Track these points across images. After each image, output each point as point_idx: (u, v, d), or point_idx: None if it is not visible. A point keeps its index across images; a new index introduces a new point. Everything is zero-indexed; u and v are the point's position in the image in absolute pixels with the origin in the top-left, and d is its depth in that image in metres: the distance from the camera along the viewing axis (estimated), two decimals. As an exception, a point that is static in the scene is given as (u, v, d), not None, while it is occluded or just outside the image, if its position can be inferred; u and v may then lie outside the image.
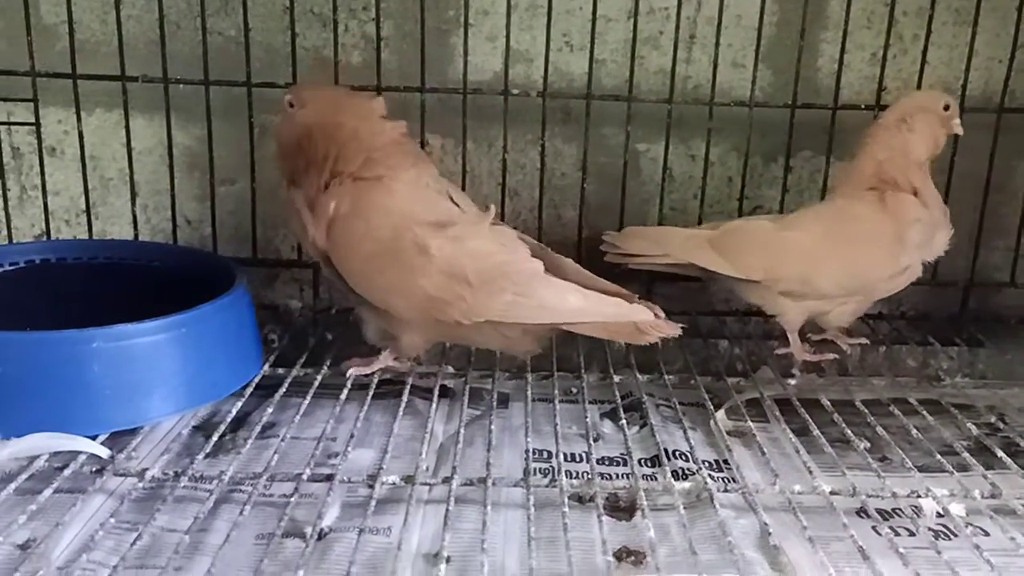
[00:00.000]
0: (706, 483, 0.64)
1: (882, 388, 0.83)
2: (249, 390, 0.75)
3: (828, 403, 0.77)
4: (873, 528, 0.61)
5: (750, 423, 0.75)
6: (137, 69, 0.89)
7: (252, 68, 0.90)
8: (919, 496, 0.63)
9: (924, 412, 0.77)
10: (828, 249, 0.80)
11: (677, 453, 0.72)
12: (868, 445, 0.72)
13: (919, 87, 0.93)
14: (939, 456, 0.69)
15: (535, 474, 0.65)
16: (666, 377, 0.84)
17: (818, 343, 0.89)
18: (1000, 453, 0.70)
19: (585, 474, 0.67)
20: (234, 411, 0.71)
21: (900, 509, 0.63)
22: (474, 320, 0.71)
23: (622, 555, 0.57)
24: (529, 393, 0.77)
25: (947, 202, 0.85)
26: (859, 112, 0.93)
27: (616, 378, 0.83)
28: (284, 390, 0.76)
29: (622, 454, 0.71)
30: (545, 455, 0.71)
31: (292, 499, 0.59)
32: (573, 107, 0.95)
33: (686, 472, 0.68)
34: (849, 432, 0.72)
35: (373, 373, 0.79)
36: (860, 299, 0.82)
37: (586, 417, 0.74)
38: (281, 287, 1.00)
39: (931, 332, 0.94)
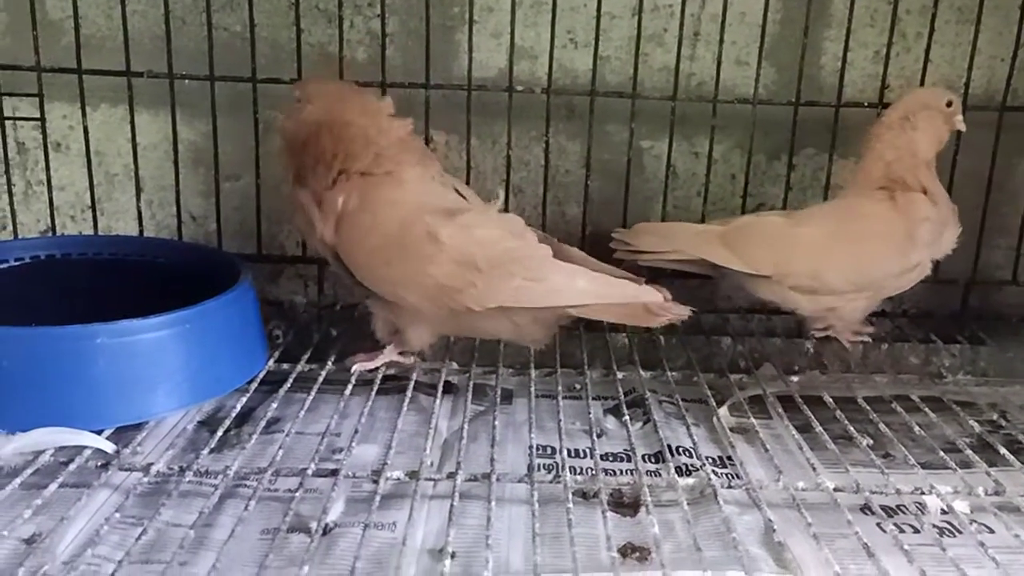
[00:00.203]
0: (710, 479, 0.64)
1: (884, 385, 0.83)
2: (254, 385, 0.75)
3: (831, 400, 0.77)
4: (878, 525, 0.61)
5: (753, 420, 0.75)
6: (142, 64, 0.89)
7: (257, 64, 0.90)
8: (923, 493, 0.63)
9: (926, 409, 0.77)
10: (838, 245, 0.80)
11: (680, 449, 0.72)
12: (871, 442, 0.72)
13: (922, 85, 0.93)
14: (942, 453, 0.69)
15: (539, 470, 0.65)
16: (669, 374, 0.84)
17: (821, 339, 0.89)
18: (1003, 450, 0.70)
19: (589, 470, 0.67)
20: (239, 406, 0.72)
21: (904, 506, 0.64)
22: (485, 306, 0.71)
23: (627, 551, 0.57)
24: (533, 389, 0.77)
25: (950, 200, 0.85)
26: (862, 110, 0.93)
27: (619, 374, 0.83)
28: (289, 385, 0.76)
29: (626, 450, 0.71)
30: (549, 451, 0.71)
31: (297, 494, 0.59)
32: (577, 104, 0.95)
33: (690, 468, 0.68)
34: (852, 429, 0.72)
35: (377, 368, 0.80)
36: (870, 296, 0.82)
37: (589, 413, 0.74)
38: (286, 283, 1.00)
39: (933, 330, 0.95)
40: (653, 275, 0.91)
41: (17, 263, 0.83)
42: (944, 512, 0.62)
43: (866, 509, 0.63)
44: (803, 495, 0.63)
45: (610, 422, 0.78)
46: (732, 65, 0.95)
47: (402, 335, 0.78)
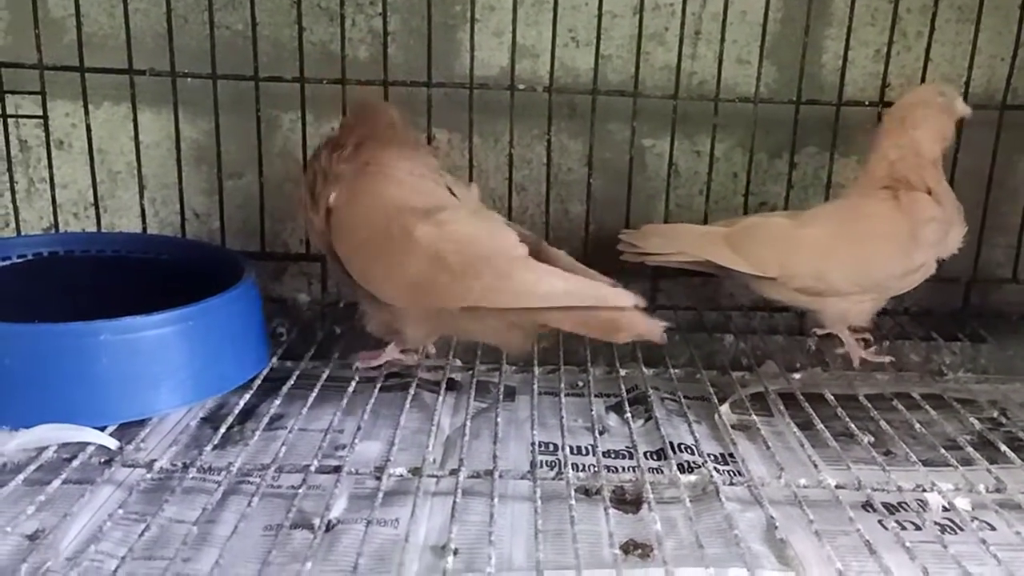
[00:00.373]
0: (712, 476, 0.65)
1: (885, 383, 0.83)
2: (257, 383, 0.75)
3: (832, 397, 0.77)
4: (879, 522, 0.61)
5: (755, 417, 0.75)
6: (145, 63, 0.89)
7: (259, 62, 0.90)
8: (924, 490, 0.64)
9: (927, 407, 0.77)
10: (843, 246, 0.80)
11: (682, 446, 0.72)
12: (872, 439, 0.72)
13: (923, 84, 0.93)
14: (943, 450, 0.69)
15: (541, 467, 0.65)
16: (672, 371, 0.84)
17: (823, 337, 0.89)
18: (1003, 447, 0.70)
19: (591, 467, 0.67)
20: (242, 403, 0.72)
21: (905, 503, 0.64)
22: (456, 306, 0.69)
23: (629, 548, 0.57)
24: (535, 386, 0.77)
25: (951, 199, 0.85)
26: (863, 109, 0.93)
27: (622, 372, 0.83)
28: (292, 383, 0.76)
29: (628, 447, 0.71)
30: (551, 448, 0.71)
31: (300, 491, 0.59)
32: (579, 102, 0.95)
33: (692, 465, 0.69)
34: (853, 426, 0.72)
35: (381, 366, 0.80)
36: (876, 297, 0.83)
37: (592, 410, 0.75)
38: (289, 280, 1.00)
39: (934, 327, 0.95)
40: (658, 271, 0.92)
41: (20, 260, 0.83)
42: (945, 509, 0.62)
43: (867, 506, 0.63)
44: (805, 492, 0.63)
45: (612, 419, 0.78)
46: (733, 64, 0.95)
47: (399, 334, 0.78)
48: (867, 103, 0.93)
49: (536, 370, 0.81)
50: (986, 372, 0.92)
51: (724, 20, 0.91)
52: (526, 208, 0.98)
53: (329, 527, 0.59)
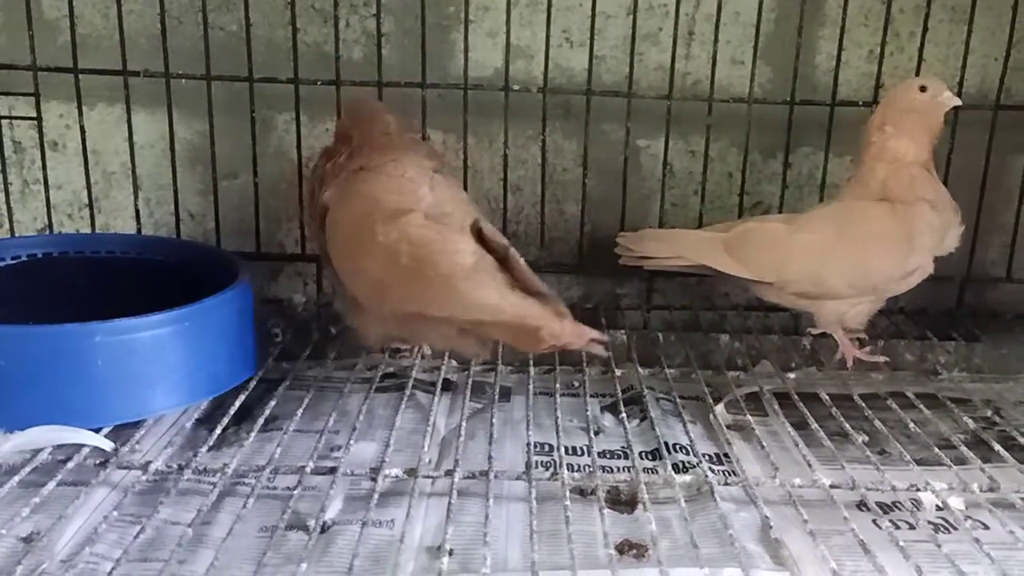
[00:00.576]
0: (707, 476, 0.65)
1: (880, 382, 0.84)
2: (252, 383, 0.75)
3: (826, 397, 0.78)
4: (873, 521, 0.61)
5: (749, 417, 0.76)
6: (138, 63, 0.89)
7: (253, 63, 0.90)
8: (918, 489, 0.64)
9: (921, 406, 0.77)
10: (839, 250, 0.80)
11: (677, 446, 0.72)
12: (866, 439, 0.73)
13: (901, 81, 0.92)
14: (937, 450, 0.70)
15: (537, 467, 0.65)
16: (667, 371, 0.84)
17: (818, 336, 0.89)
18: (997, 447, 0.70)
19: (587, 467, 0.67)
20: (237, 404, 0.72)
21: (899, 502, 0.64)
22: (405, 310, 0.69)
23: (624, 548, 0.57)
24: (531, 387, 0.77)
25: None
26: (857, 109, 0.93)
27: (618, 372, 0.83)
28: (287, 384, 0.76)
29: (623, 447, 0.72)
30: (546, 448, 0.71)
31: (295, 492, 0.59)
32: (573, 103, 0.95)
33: (687, 465, 0.69)
34: (847, 426, 0.73)
35: (377, 366, 0.80)
36: (873, 299, 0.83)
37: (587, 410, 0.75)
38: (285, 281, 1.00)
39: (928, 327, 0.95)
40: (655, 272, 0.92)
41: (14, 261, 0.82)
42: (939, 508, 0.63)
43: (862, 506, 0.63)
44: (799, 492, 0.63)
45: (607, 419, 0.78)
46: (727, 64, 0.95)
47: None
48: (861, 103, 0.93)
49: (532, 370, 0.81)
50: (980, 371, 0.92)
51: (718, 21, 0.91)
52: (521, 208, 0.98)
53: (324, 528, 0.59)
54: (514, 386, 0.83)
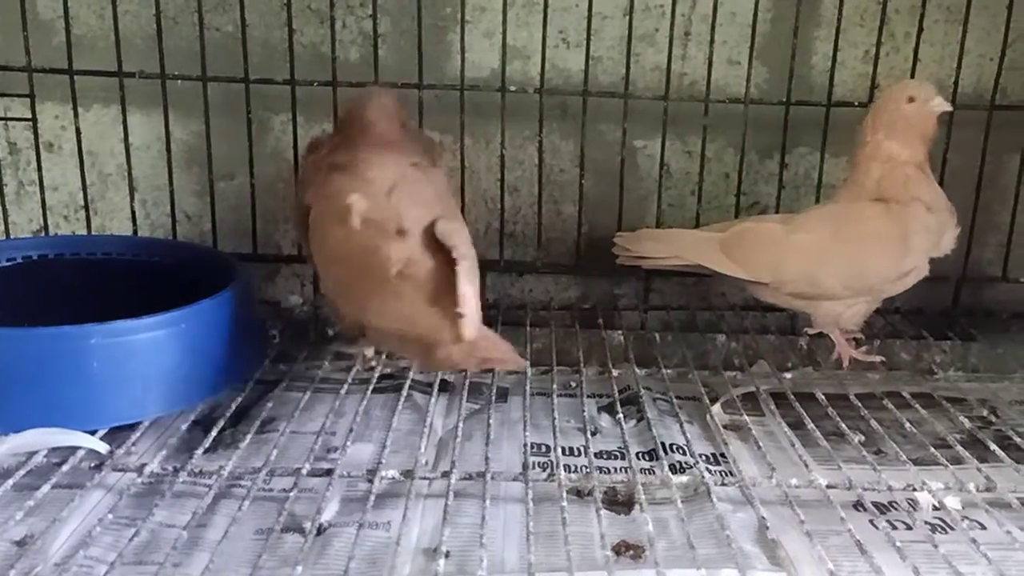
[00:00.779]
0: (703, 477, 0.65)
1: (876, 382, 0.84)
2: (249, 385, 0.75)
3: (823, 397, 0.78)
4: (870, 522, 0.61)
5: (746, 417, 0.76)
6: (134, 64, 0.89)
7: (250, 64, 0.90)
8: (914, 489, 0.64)
9: (917, 406, 0.77)
10: (835, 251, 0.80)
11: (674, 447, 0.72)
12: (863, 439, 0.73)
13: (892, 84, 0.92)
14: (933, 449, 0.70)
15: (534, 468, 0.65)
16: (664, 371, 0.84)
17: (814, 336, 0.89)
18: (993, 446, 0.70)
19: (583, 468, 0.67)
20: (234, 406, 0.72)
21: (896, 502, 0.64)
22: (347, 315, 0.69)
23: (621, 549, 0.57)
24: (528, 387, 0.77)
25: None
26: (853, 109, 0.93)
27: (615, 372, 0.83)
28: (284, 385, 0.76)
29: (620, 448, 0.72)
30: (543, 449, 0.71)
31: (291, 494, 0.59)
32: (570, 104, 0.95)
33: (683, 466, 0.69)
34: (844, 426, 0.73)
35: (374, 367, 0.80)
36: (869, 299, 0.83)
37: (584, 411, 0.74)
38: (282, 282, 1.00)
39: (924, 326, 0.95)
40: (652, 271, 0.93)
41: (10, 263, 0.82)
42: (936, 508, 0.63)
43: (858, 506, 0.63)
44: (796, 492, 0.63)
45: (604, 420, 0.78)
46: (723, 65, 0.95)
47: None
48: (857, 104, 0.94)
49: (529, 371, 0.81)
50: (976, 371, 0.93)
51: (714, 21, 0.91)
52: (519, 209, 0.98)
53: (320, 530, 0.58)
54: (511, 387, 0.83)
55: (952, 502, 0.63)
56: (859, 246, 0.80)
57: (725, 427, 0.75)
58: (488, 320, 0.90)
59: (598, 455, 0.70)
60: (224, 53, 0.91)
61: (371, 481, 0.62)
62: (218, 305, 0.71)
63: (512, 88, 0.92)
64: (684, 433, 0.73)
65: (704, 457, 0.70)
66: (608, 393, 0.81)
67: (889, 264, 0.80)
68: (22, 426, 0.62)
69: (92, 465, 0.63)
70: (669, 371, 0.84)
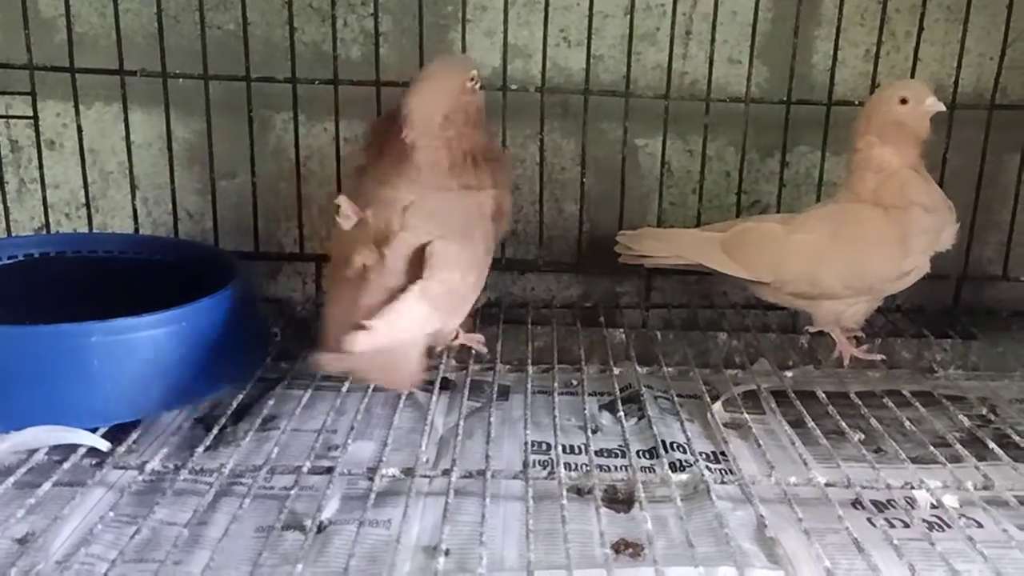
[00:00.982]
0: (703, 475, 0.65)
1: (876, 380, 0.84)
2: (250, 383, 0.75)
3: (823, 395, 0.78)
4: (868, 520, 0.61)
5: (746, 415, 0.76)
6: (136, 63, 0.89)
7: (251, 62, 0.90)
8: (913, 488, 0.64)
9: (917, 404, 0.77)
10: (835, 251, 0.80)
11: (675, 445, 0.72)
12: (862, 437, 0.73)
13: (883, 85, 0.92)
14: (932, 448, 0.70)
15: (534, 466, 0.65)
16: (665, 369, 0.84)
17: (815, 334, 0.89)
18: (992, 445, 0.70)
19: (584, 466, 0.67)
20: (235, 403, 0.72)
21: (894, 500, 0.64)
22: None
23: (620, 547, 0.57)
24: (529, 385, 0.77)
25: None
26: (853, 108, 0.93)
27: (616, 370, 0.83)
28: (285, 383, 0.76)
29: (620, 446, 0.72)
30: (544, 447, 0.71)
31: (292, 492, 0.59)
32: (571, 102, 0.95)
33: (683, 464, 0.69)
34: (843, 424, 0.73)
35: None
36: (869, 298, 0.83)
37: (585, 409, 0.75)
38: (283, 280, 1.00)
39: (925, 325, 0.95)
40: (654, 269, 0.93)
41: (11, 261, 0.82)
42: (934, 507, 0.63)
43: (857, 504, 0.63)
44: (795, 490, 0.63)
45: (605, 418, 0.78)
46: (724, 63, 0.95)
47: None
48: (857, 102, 0.93)
49: (531, 369, 0.81)
50: (976, 369, 0.93)
51: (714, 20, 0.91)
52: (520, 207, 0.98)
53: (321, 528, 0.59)
54: (513, 385, 0.83)
55: (950, 500, 0.63)
56: (859, 247, 0.80)
57: (725, 425, 0.76)
58: (489, 319, 0.91)
59: (598, 453, 0.71)
60: (225, 51, 0.91)
61: (372, 479, 0.62)
62: (219, 303, 0.71)
63: (513, 87, 0.92)
64: (684, 431, 0.73)
65: (704, 455, 0.71)
66: (609, 391, 0.81)
67: (889, 265, 0.80)
68: (23, 424, 0.62)
69: (93, 463, 0.63)
70: (670, 369, 0.84)
